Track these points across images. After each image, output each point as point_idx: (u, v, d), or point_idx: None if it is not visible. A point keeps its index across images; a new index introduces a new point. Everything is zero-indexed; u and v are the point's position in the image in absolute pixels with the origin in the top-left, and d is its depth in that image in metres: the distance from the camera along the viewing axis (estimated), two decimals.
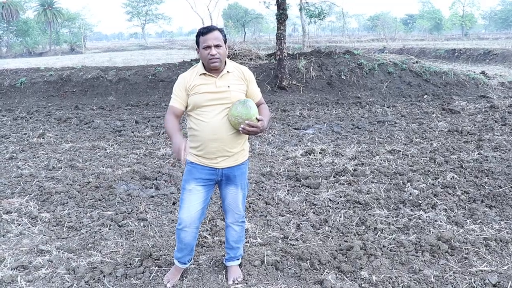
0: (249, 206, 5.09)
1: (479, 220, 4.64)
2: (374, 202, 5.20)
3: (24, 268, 3.83)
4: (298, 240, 4.30)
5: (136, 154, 7.58)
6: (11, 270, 3.79)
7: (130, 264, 3.87)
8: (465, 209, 4.95)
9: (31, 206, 5.24)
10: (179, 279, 3.59)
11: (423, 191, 5.49)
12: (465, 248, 4.02)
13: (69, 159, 7.28)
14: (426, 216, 4.77)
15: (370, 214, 4.88)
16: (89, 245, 4.28)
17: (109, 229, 4.63)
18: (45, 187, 5.84)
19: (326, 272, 3.69)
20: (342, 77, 13.58)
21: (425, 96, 12.79)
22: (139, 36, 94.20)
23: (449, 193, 5.42)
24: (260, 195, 5.53)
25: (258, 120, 3.10)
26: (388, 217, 4.81)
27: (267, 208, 5.08)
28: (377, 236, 4.34)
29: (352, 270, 3.69)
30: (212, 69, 3.17)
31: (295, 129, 9.42)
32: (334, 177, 6.20)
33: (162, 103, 12.90)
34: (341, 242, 4.22)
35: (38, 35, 67.79)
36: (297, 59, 14.49)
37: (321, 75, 13.78)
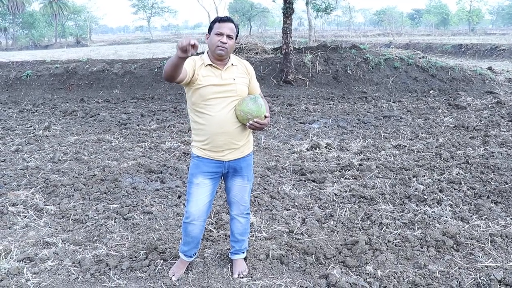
0: (255, 200, 5.09)
1: (485, 216, 4.62)
2: (379, 197, 5.19)
3: (30, 260, 3.85)
4: (303, 235, 4.30)
5: (142, 147, 7.59)
6: (18, 262, 3.81)
7: (135, 257, 3.88)
8: (471, 205, 4.94)
9: (37, 199, 5.26)
10: (184, 272, 3.60)
11: (428, 187, 5.48)
12: (470, 244, 4.00)
13: (74, 152, 7.30)
14: (432, 212, 4.76)
15: (375, 209, 4.87)
16: (95, 237, 4.30)
17: (115, 222, 4.64)
18: (51, 180, 5.86)
19: (331, 266, 3.69)
20: (348, 71, 13.52)
21: (431, 91, 12.73)
22: (144, 29, 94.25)
23: (454, 189, 5.40)
24: (265, 189, 5.53)
25: (266, 117, 3.14)
26: (394, 212, 4.80)
27: (273, 202, 5.08)
28: (382, 231, 4.34)
29: (357, 265, 3.69)
30: (216, 57, 3.15)
31: (301, 123, 9.40)
32: (340, 171, 6.19)
33: (167, 97, 12.91)
34: (347, 236, 4.22)
35: (44, 28, 67.85)
36: (303, 53, 14.44)
37: (327, 69, 13.73)
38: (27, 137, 8.38)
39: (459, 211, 4.77)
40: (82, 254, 3.95)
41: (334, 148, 7.38)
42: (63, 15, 71.19)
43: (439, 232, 4.17)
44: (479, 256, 3.82)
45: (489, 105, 10.68)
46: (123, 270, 3.67)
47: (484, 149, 7.00)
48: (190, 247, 3.53)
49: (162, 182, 5.86)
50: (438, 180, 5.73)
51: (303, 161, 6.65)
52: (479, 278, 3.49)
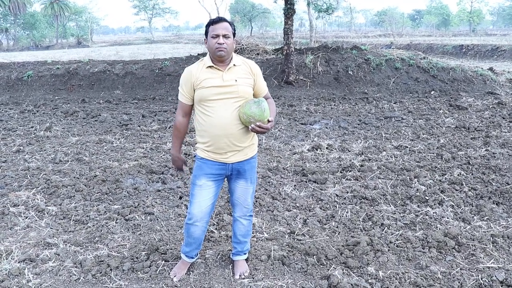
0: (256, 201, 5.09)
1: (486, 217, 4.62)
2: (381, 198, 5.19)
3: (31, 261, 3.85)
4: (304, 235, 4.29)
5: (143, 148, 7.59)
6: (19, 262, 3.81)
7: (136, 258, 3.88)
8: (472, 206, 4.93)
9: (38, 199, 5.26)
10: (185, 273, 3.60)
11: (430, 187, 5.47)
12: (472, 245, 4.00)
13: (76, 153, 7.30)
14: (433, 212, 4.75)
15: (377, 210, 4.86)
16: (96, 238, 4.29)
17: (116, 222, 4.64)
18: (52, 180, 5.86)
19: (333, 267, 3.69)
20: (349, 72, 13.52)
21: (432, 92, 12.72)
22: (145, 30, 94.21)
23: (456, 190, 5.40)
24: (266, 190, 5.53)
25: (269, 121, 3.11)
26: (395, 213, 4.79)
27: (274, 203, 5.08)
28: (384, 232, 4.33)
29: (358, 266, 3.68)
30: (218, 59, 3.15)
31: (302, 124, 9.40)
32: (341, 172, 6.18)
33: (168, 97, 12.92)
34: (348, 237, 4.21)
35: (45, 28, 67.93)
36: (304, 54, 14.44)
37: (328, 70, 13.73)
38: (28, 138, 8.38)
39: (460, 212, 4.77)
40: (83, 255, 3.95)
41: (335, 149, 7.37)
42: (64, 16, 71.21)
43: (441, 233, 4.16)
44: (480, 257, 3.82)
45: (490, 106, 10.68)
46: (125, 271, 3.67)
47: (486, 150, 6.99)
48: (192, 248, 3.53)
49: (164, 183, 5.86)
50: (440, 181, 5.73)
51: (304, 162, 6.64)
52: (481, 279, 3.48)
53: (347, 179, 5.91)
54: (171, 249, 3.98)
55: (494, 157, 6.63)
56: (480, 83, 13.31)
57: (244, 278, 3.55)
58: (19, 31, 68.20)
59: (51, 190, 5.54)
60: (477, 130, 8.40)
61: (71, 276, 3.62)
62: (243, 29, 63.31)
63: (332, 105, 11.46)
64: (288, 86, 13.26)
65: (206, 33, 3.17)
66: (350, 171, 6.20)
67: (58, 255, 3.95)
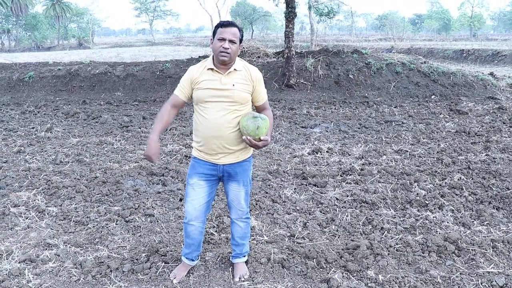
0: (256, 204, 5.09)
1: (486, 222, 4.62)
2: (381, 202, 5.19)
3: (31, 262, 3.86)
4: (304, 239, 4.30)
5: (143, 150, 7.60)
6: (19, 263, 3.82)
7: (136, 259, 3.88)
8: (472, 210, 4.94)
9: (38, 200, 5.26)
10: (185, 276, 3.60)
11: (430, 192, 5.48)
12: (472, 249, 4.00)
13: (76, 154, 7.31)
14: (433, 217, 4.75)
15: (377, 214, 4.87)
16: (96, 239, 4.30)
17: (116, 224, 4.65)
18: (53, 181, 5.87)
19: (333, 271, 3.69)
20: (349, 76, 13.54)
21: (432, 97, 12.74)
22: (147, 32, 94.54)
23: (456, 194, 5.40)
24: (267, 193, 5.54)
25: (261, 140, 3.12)
26: (395, 217, 4.80)
27: (274, 206, 5.09)
28: (383, 235, 4.34)
29: (358, 269, 3.69)
30: (220, 62, 3.17)
31: (302, 127, 9.41)
32: (341, 176, 6.19)
33: None
34: (348, 241, 4.22)
35: (47, 30, 68.13)
36: (305, 58, 14.46)
37: (329, 74, 13.75)
38: (29, 139, 8.39)
39: (460, 217, 4.77)
40: (84, 256, 3.95)
41: (336, 152, 7.38)
42: (66, 17, 71.36)
43: (441, 237, 4.16)
44: (480, 262, 3.82)
45: (491, 111, 10.69)
46: (125, 272, 3.67)
47: (486, 155, 7.00)
48: (191, 250, 3.54)
49: (164, 185, 5.86)
50: (440, 185, 5.73)
51: (304, 165, 6.65)
52: (481, 284, 3.49)
53: (347, 182, 5.92)
54: (171, 251, 3.98)
55: (495, 162, 6.64)
56: (481, 88, 13.33)
57: (244, 281, 3.55)
58: (20, 32, 68.36)
59: (51, 191, 5.54)
60: (477, 135, 8.41)
61: (71, 277, 3.63)
62: (244, 32, 63.34)
63: (333, 108, 11.47)
64: (289, 90, 13.28)
65: (214, 34, 3.19)
66: (350, 174, 6.20)
67: (58, 255, 3.96)
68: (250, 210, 4.81)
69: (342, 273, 3.65)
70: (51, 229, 4.56)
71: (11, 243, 4.22)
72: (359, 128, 9.24)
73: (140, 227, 4.58)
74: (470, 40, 55.74)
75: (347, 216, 4.83)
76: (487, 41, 47.56)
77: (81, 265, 3.78)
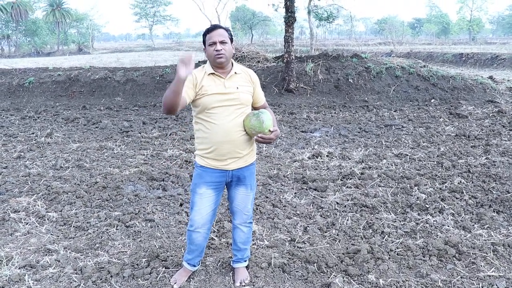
0: (256, 209, 5.09)
1: (487, 225, 4.62)
2: (381, 206, 5.19)
3: (31, 267, 3.85)
4: (305, 243, 4.29)
5: (144, 155, 7.60)
6: (19, 269, 3.81)
7: (137, 264, 3.88)
8: (473, 214, 4.93)
9: (38, 206, 5.26)
10: (186, 281, 3.60)
11: (430, 195, 5.48)
12: (472, 253, 4.00)
13: (76, 159, 7.31)
14: (434, 221, 4.75)
15: (377, 218, 4.87)
16: (96, 245, 4.29)
17: (116, 229, 4.64)
18: (53, 187, 5.87)
19: (333, 275, 3.68)
20: (349, 80, 13.56)
21: (432, 100, 12.75)
22: (146, 37, 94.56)
23: (456, 198, 5.40)
24: (267, 197, 5.53)
25: (272, 132, 3.13)
26: (396, 221, 4.79)
27: (274, 211, 5.08)
28: (384, 240, 4.33)
29: (359, 274, 3.68)
30: (218, 66, 3.17)
31: (302, 131, 9.41)
32: (341, 180, 6.19)
33: None
34: (348, 245, 4.21)
35: (47, 35, 68.24)
36: (304, 62, 14.48)
37: (329, 78, 13.77)
38: (29, 144, 8.39)
39: (461, 220, 4.77)
40: (84, 262, 3.95)
41: (336, 156, 7.38)
42: (66, 22, 71.45)
43: (441, 241, 4.16)
44: (481, 266, 3.81)
45: (490, 114, 10.69)
46: (125, 277, 3.67)
47: (486, 158, 7.00)
48: (194, 256, 3.53)
49: (164, 190, 5.86)
50: (440, 189, 5.73)
51: (304, 170, 6.65)
52: (482, 287, 3.48)
53: (347, 187, 5.92)
54: (171, 256, 3.98)
55: (495, 165, 6.64)
56: (480, 91, 13.34)
57: (244, 286, 3.55)
58: (20, 37, 68.46)
59: (51, 196, 5.54)
60: (477, 139, 8.41)
61: (71, 282, 3.62)
62: (244, 36, 63.50)
63: (333, 113, 11.48)
64: (289, 94, 13.29)
65: (204, 43, 3.20)
66: (351, 179, 6.20)
67: (59, 261, 3.95)
68: None
69: (343, 278, 3.64)
70: (51, 234, 4.55)
71: (11, 248, 4.22)
72: (359, 132, 9.25)
73: (141, 232, 4.57)
74: (469, 44, 55.78)
75: (347, 220, 4.82)
76: (486, 45, 47.61)
77: (82, 271, 3.78)
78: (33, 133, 9.37)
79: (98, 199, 5.48)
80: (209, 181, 3.29)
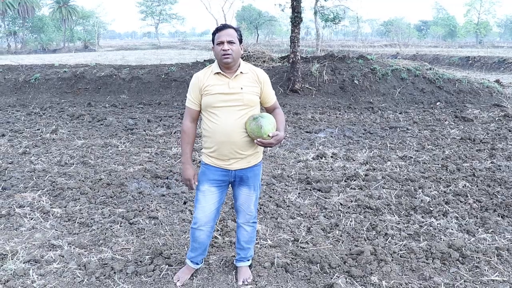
0: (260, 208, 5.10)
1: (491, 229, 4.60)
2: (385, 208, 5.18)
3: (36, 262, 3.87)
4: (308, 243, 4.29)
5: (148, 152, 7.62)
6: (24, 263, 3.83)
7: (140, 261, 3.89)
8: (477, 218, 4.92)
9: (43, 201, 5.28)
10: (189, 279, 3.60)
11: (434, 198, 5.46)
12: (476, 257, 3.99)
13: (81, 156, 7.33)
14: (437, 224, 4.74)
15: (380, 220, 4.86)
16: (100, 241, 4.31)
17: (120, 226, 4.66)
18: (58, 183, 5.89)
19: (336, 276, 3.69)
20: (355, 81, 13.54)
21: (438, 103, 12.72)
22: (152, 35, 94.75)
23: (460, 201, 5.39)
24: (271, 197, 5.54)
25: (272, 137, 3.10)
26: (399, 223, 4.79)
27: (278, 211, 5.09)
28: (387, 241, 4.33)
29: (362, 275, 3.68)
30: (224, 66, 3.17)
31: (307, 132, 9.41)
32: (345, 181, 6.18)
33: (174, 103, 12.96)
34: (352, 246, 4.21)
35: (53, 32, 68.49)
36: (310, 63, 14.47)
37: (334, 79, 13.76)
38: (34, 140, 8.43)
39: (465, 224, 4.76)
40: (88, 258, 3.96)
41: (340, 157, 7.38)
42: (72, 20, 71.75)
43: (445, 244, 4.15)
44: (485, 270, 3.80)
45: (496, 118, 10.65)
46: (128, 274, 3.68)
47: (491, 162, 6.97)
48: (197, 254, 3.54)
49: (168, 188, 5.87)
50: (444, 192, 5.72)
51: (308, 170, 6.65)
52: None
53: (351, 188, 5.91)
54: (175, 253, 3.99)
55: (500, 169, 6.62)
56: (486, 95, 13.29)
57: (247, 285, 3.55)
58: (27, 34, 68.80)
59: (56, 192, 5.56)
60: (482, 142, 8.38)
61: (75, 278, 3.64)
62: (249, 36, 63.49)
63: (337, 114, 11.47)
64: (294, 94, 13.29)
65: (213, 41, 3.21)
66: (355, 180, 6.20)
67: (63, 256, 3.97)
68: None
69: (346, 279, 3.64)
70: (56, 230, 4.57)
71: (16, 243, 4.24)
72: (363, 134, 9.23)
73: (144, 229, 4.59)
74: (476, 47, 55.61)
75: (351, 221, 4.82)
76: (493, 48, 47.44)
77: (85, 267, 3.80)
78: (39, 129, 9.41)
79: (102, 196, 5.50)
80: (212, 179, 3.31)
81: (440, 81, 13.62)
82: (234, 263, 3.73)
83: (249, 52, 16.36)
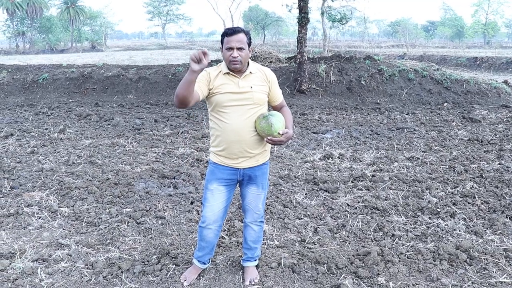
0: (267, 208, 5.10)
1: (499, 231, 4.58)
2: (392, 209, 5.17)
3: (44, 261, 3.90)
4: (315, 244, 4.29)
5: (155, 152, 7.64)
6: (32, 262, 3.86)
7: (147, 261, 3.91)
8: (485, 219, 4.90)
9: (51, 200, 5.32)
10: (196, 278, 3.61)
11: (442, 200, 5.44)
12: (484, 259, 3.97)
13: (88, 155, 7.37)
14: (445, 225, 4.72)
15: (388, 221, 4.85)
16: (108, 241, 4.33)
17: (127, 225, 4.68)
18: (65, 182, 5.92)
19: (343, 276, 3.68)
20: (362, 82, 13.51)
21: (445, 104, 12.66)
22: (159, 35, 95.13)
23: (468, 202, 5.36)
24: (278, 197, 5.54)
25: (282, 134, 3.12)
26: (406, 224, 4.77)
27: (285, 211, 5.09)
28: (394, 242, 4.32)
29: (369, 276, 3.67)
30: (233, 70, 3.19)
31: (314, 133, 9.40)
32: (352, 182, 6.17)
33: None
34: (359, 247, 4.21)
35: (61, 32, 68.82)
36: (317, 63, 14.45)
37: (341, 79, 13.73)
38: (42, 140, 8.48)
39: (472, 225, 4.73)
40: (95, 257, 3.98)
41: (347, 158, 7.37)
42: (80, 20, 72.05)
43: (452, 246, 4.14)
44: (493, 272, 3.78)
45: (504, 119, 10.59)
46: (135, 273, 3.70)
47: (499, 163, 6.93)
48: (205, 253, 3.55)
49: (175, 188, 5.89)
50: (452, 193, 5.69)
51: (315, 171, 6.64)
52: None
53: (358, 189, 5.90)
54: (182, 253, 4.00)
55: (508, 171, 6.58)
56: (494, 96, 13.22)
57: (254, 285, 3.56)
58: (35, 34, 69.20)
59: (64, 192, 5.60)
60: (490, 143, 8.33)
61: (82, 277, 3.66)
62: (256, 36, 63.57)
63: (344, 114, 11.45)
64: (301, 95, 13.27)
65: (222, 42, 3.20)
66: (362, 181, 6.18)
67: (70, 256, 4.00)
68: None
69: (353, 279, 3.64)
70: (63, 229, 4.60)
71: (24, 242, 4.27)
72: (370, 135, 9.21)
73: (151, 229, 4.60)
74: (484, 47, 55.29)
75: (358, 222, 4.81)
76: (501, 49, 47.17)
77: (93, 266, 3.82)
78: (46, 129, 9.46)
79: (109, 195, 5.53)
80: (220, 178, 3.32)
81: (448, 82, 13.56)
82: (241, 263, 3.74)
83: (256, 52, 16.37)
